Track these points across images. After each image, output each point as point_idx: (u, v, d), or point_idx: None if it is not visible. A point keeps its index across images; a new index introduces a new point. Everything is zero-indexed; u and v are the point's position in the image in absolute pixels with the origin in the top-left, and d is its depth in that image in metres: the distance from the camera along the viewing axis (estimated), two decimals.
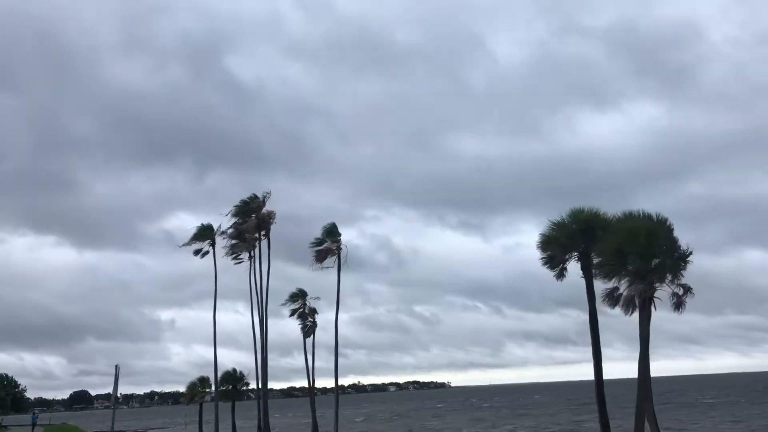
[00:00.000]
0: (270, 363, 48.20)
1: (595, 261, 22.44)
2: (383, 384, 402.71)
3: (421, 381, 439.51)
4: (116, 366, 17.76)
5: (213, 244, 54.03)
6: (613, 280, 20.97)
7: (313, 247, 42.66)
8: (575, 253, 22.79)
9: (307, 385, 53.81)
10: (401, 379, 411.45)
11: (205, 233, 54.24)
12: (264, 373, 44.77)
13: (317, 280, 52.86)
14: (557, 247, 22.79)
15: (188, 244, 53.87)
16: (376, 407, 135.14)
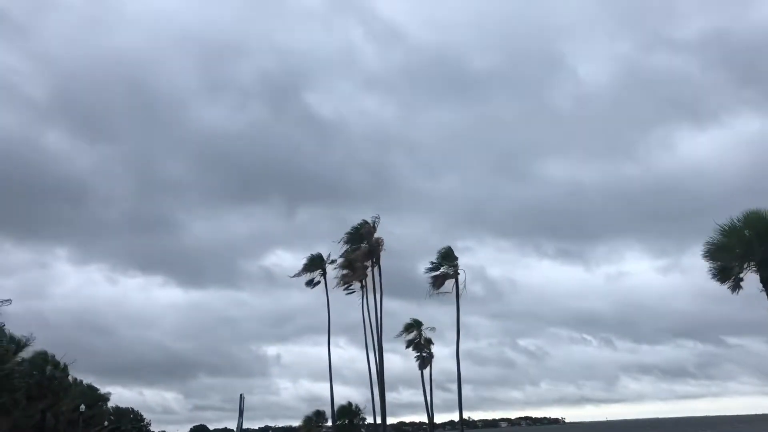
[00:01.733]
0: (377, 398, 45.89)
1: None
2: (494, 420, 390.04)
3: (533, 417, 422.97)
4: (240, 395, 16.13)
5: (324, 274, 52.91)
6: None
7: (429, 272, 40.29)
8: (752, 263, 19.07)
9: (419, 420, 51.36)
10: (512, 414, 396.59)
11: (316, 263, 53.18)
12: (383, 407, 42.45)
13: (417, 314, 50.56)
14: (730, 255, 19.18)
15: (299, 274, 52.99)
16: None
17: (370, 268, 44.98)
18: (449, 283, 40.77)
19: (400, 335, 51.15)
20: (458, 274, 39.60)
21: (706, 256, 19.87)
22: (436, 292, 39.76)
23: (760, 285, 19.07)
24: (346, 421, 58.99)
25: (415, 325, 51.21)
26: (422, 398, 48.07)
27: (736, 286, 19.21)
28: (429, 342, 51.91)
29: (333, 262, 51.74)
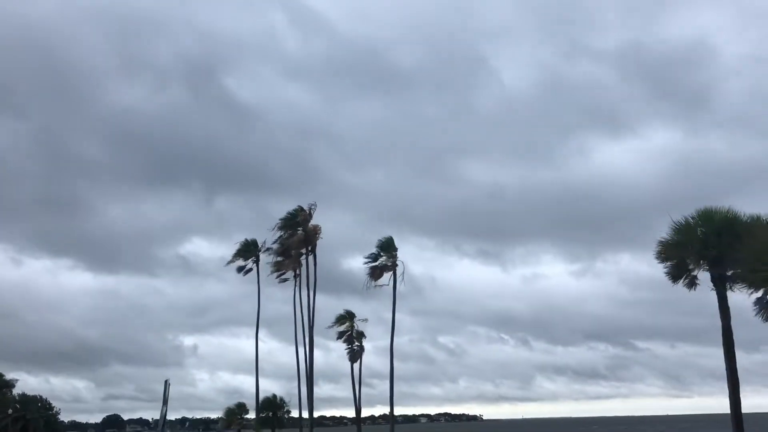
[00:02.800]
0: (303, 391, 44.66)
1: (731, 271, 18.61)
2: (414, 415, 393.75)
3: (452, 413, 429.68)
4: (165, 382, 14.50)
5: (257, 261, 51.16)
6: None
7: (367, 263, 39.21)
8: (704, 261, 18.92)
9: (339, 414, 50.48)
10: (432, 410, 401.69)
11: (249, 249, 51.40)
12: (310, 400, 41.19)
13: (338, 309, 49.60)
14: (684, 253, 18.96)
15: (232, 261, 51.13)
16: None
17: (305, 257, 43.53)
18: (387, 277, 39.81)
19: (331, 326, 49.95)
20: (396, 265, 38.72)
21: (658, 255, 19.65)
22: (374, 284, 38.76)
23: (710, 284, 19.00)
24: (270, 414, 57.25)
25: (347, 317, 50.07)
26: (341, 392, 47.11)
27: (691, 284, 19.04)
28: (361, 335, 50.95)
29: (267, 249, 50.16)
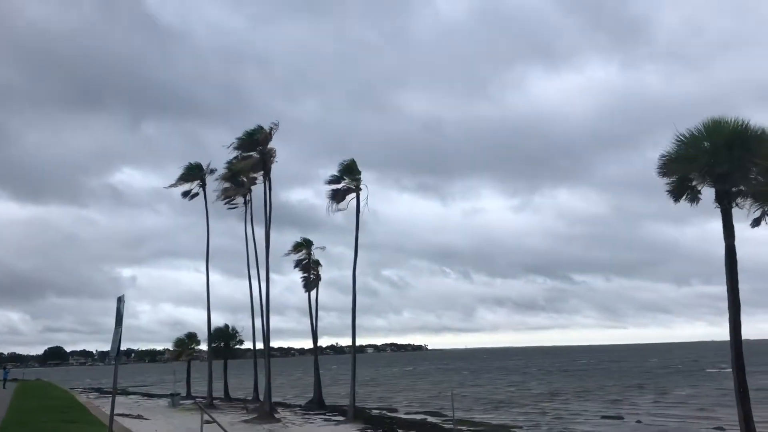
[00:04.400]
0: (246, 323, 43.00)
1: (737, 188, 17.25)
2: (361, 346, 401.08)
3: (398, 343, 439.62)
4: (119, 298, 12.25)
5: (203, 186, 48.31)
6: None
7: (329, 184, 36.99)
8: (708, 177, 17.46)
9: (287, 345, 49.58)
10: (378, 341, 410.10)
11: (194, 173, 48.41)
12: (267, 331, 39.41)
13: (275, 241, 47.69)
14: (689, 168, 17.45)
15: (175, 185, 48.10)
16: (368, 370, 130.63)
17: (261, 181, 40.88)
18: (348, 201, 37.71)
19: (288, 254, 48.07)
20: (360, 189, 36.62)
21: (660, 169, 18.13)
22: (336, 207, 36.66)
23: (714, 202, 17.63)
24: (222, 344, 55.68)
25: (304, 245, 48.22)
26: (287, 324, 46.05)
27: (694, 199, 17.64)
28: (317, 263, 49.25)
29: (213, 172, 47.31)
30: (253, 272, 44.65)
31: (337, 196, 36.68)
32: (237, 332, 56.10)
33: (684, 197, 17.94)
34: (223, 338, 55.25)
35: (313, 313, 47.13)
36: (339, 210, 36.75)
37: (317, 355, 47.54)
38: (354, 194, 36.73)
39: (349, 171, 36.83)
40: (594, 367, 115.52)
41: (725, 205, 17.37)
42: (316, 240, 49.53)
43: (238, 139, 40.24)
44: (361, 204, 36.65)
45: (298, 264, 48.10)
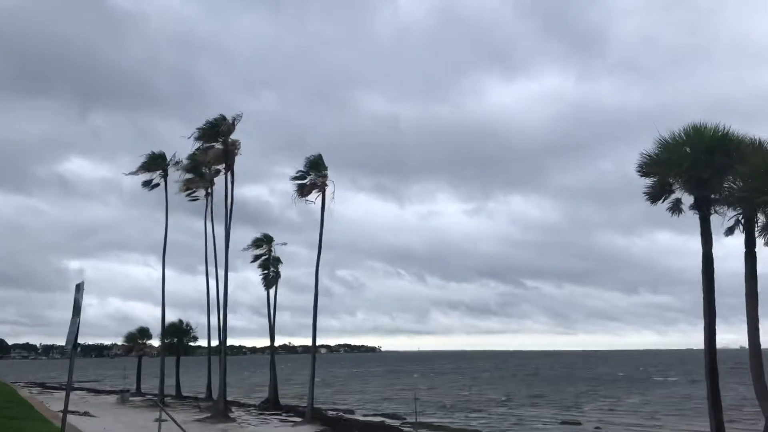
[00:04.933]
0: (197, 320, 41.94)
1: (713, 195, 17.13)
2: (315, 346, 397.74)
3: (352, 344, 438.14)
4: (77, 286, 11.18)
5: (165, 176, 46.75)
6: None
7: (295, 180, 36.14)
8: (687, 182, 17.30)
9: (239, 344, 48.85)
10: (332, 341, 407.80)
11: (156, 162, 46.81)
12: (224, 328, 38.28)
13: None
14: (669, 172, 17.28)
15: (135, 173, 46.42)
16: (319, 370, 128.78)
17: (223, 174, 39.74)
18: (314, 196, 36.89)
19: (247, 249, 46.86)
20: (326, 185, 35.85)
21: (640, 171, 17.95)
22: (303, 199, 35.79)
23: (693, 208, 17.50)
24: (175, 340, 54.09)
25: (265, 240, 47.10)
26: (238, 322, 44.63)
27: (675, 209, 17.46)
28: (278, 260, 48.17)
29: (177, 163, 45.83)
30: (211, 268, 43.54)
31: (302, 191, 35.85)
32: (191, 328, 54.63)
33: (661, 200, 17.77)
34: (177, 334, 53.68)
35: (271, 311, 46.10)
36: (306, 202, 35.91)
37: (274, 355, 46.49)
38: (319, 190, 35.91)
39: (315, 166, 36.05)
40: (545, 372, 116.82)
41: (704, 211, 17.24)
42: (276, 237, 48.42)
43: (199, 129, 39.03)
44: (327, 200, 35.88)
45: (256, 259, 46.96)
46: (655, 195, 17.85)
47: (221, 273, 39.84)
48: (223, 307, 38.19)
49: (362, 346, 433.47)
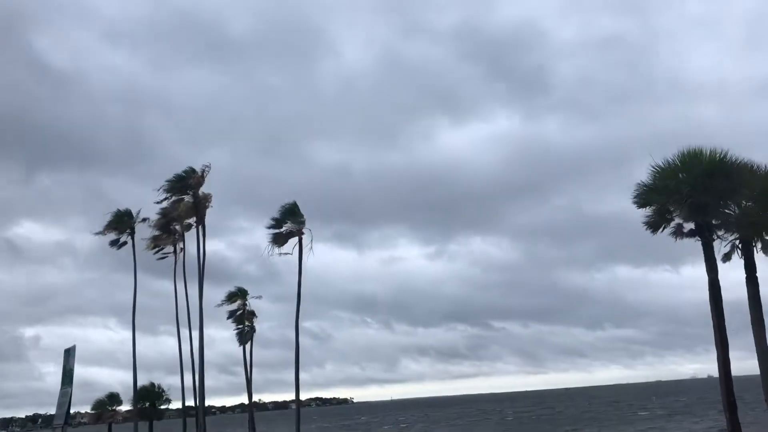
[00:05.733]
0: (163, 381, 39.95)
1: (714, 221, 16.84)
2: (284, 401, 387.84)
3: (323, 397, 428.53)
4: (67, 351, 9.90)
5: (132, 234, 45.23)
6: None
7: (271, 228, 35.16)
8: (688, 208, 16.99)
9: (208, 404, 45.77)
10: (302, 395, 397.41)
11: (123, 220, 45.32)
12: (201, 389, 36.55)
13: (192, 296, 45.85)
14: (668, 199, 16.97)
15: (102, 233, 44.85)
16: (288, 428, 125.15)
17: (194, 228, 38.58)
18: (291, 245, 35.92)
19: (221, 305, 45.43)
20: (303, 233, 34.95)
21: (637, 200, 17.61)
22: (278, 252, 34.80)
23: (695, 235, 17.15)
24: (147, 405, 51.57)
25: (239, 294, 45.79)
26: (206, 382, 42.34)
27: (678, 233, 17.10)
28: (252, 314, 46.77)
29: (145, 220, 44.44)
30: (174, 327, 42.03)
31: (278, 240, 34.87)
32: (164, 391, 52.22)
33: (661, 229, 17.41)
34: (149, 398, 51.21)
35: (248, 367, 44.44)
36: (280, 254, 34.90)
37: (253, 413, 44.68)
38: (296, 238, 35.00)
39: (292, 214, 35.22)
40: (524, 415, 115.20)
41: (706, 237, 16.90)
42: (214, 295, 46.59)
43: (168, 181, 38.11)
44: (305, 248, 34.93)
45: (231, 315, 45.46)
46: (655, 224, 17.52)
47: (192, 332, 38.40)
48: (200, 365, 36.57)
49: (333, 398, 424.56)
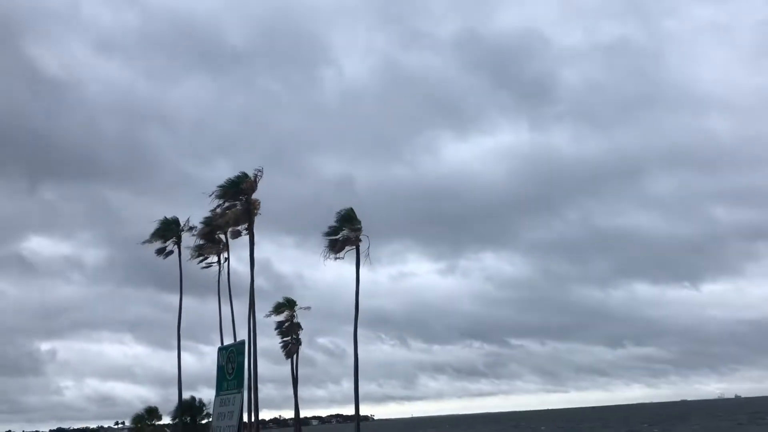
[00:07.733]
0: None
1: None
2: (306, 418, 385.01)
3: (344, 414, 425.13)
4: (221, 349, 8.62)
5: (178, 243, 44.26)
6: None
7: (327, 236, 33.99)
8: None
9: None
10: (322, 412, 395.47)
11: (169, 229, 44.40)
12: (256, 402, 35.26)
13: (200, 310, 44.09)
14: None
15: (149, 241, 43.88)
16: None
17: (246, 234, 37.53)
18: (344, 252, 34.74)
19: (269, 315, 44.19)
20: (360, 240, 33.72)
21: None
22: (334, 257, 33.58)
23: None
24: (188, 419, 50.49)
25: (287, 305, 44.54)
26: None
27: None
28: (298, 326, 45.51)
29: (192, 228, 43.42)
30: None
31: (335, 247, 33.69)
32: (204, 405, 51.12)
33: None
34: (189, 413, 50.12)
35: (296, 381, 43.08)
36: (336, 259, 33.72)
37: (300, 427, 43.26)
38: (353, 245, 33.79)
39: (348, 220, 34.04)
40: None
41: None
42: (242, 306, 44.93)
43: (220, 187, 37.07)
44: (362, 255, 33.70)
45: (279, 326, 44.24)
46: None
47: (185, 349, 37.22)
48: (254, 380, 35.16)
49: (354, 415, 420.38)
